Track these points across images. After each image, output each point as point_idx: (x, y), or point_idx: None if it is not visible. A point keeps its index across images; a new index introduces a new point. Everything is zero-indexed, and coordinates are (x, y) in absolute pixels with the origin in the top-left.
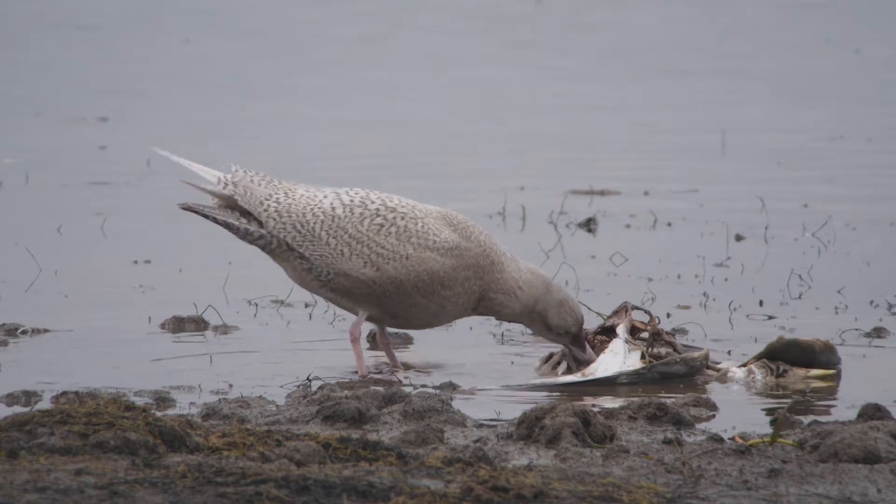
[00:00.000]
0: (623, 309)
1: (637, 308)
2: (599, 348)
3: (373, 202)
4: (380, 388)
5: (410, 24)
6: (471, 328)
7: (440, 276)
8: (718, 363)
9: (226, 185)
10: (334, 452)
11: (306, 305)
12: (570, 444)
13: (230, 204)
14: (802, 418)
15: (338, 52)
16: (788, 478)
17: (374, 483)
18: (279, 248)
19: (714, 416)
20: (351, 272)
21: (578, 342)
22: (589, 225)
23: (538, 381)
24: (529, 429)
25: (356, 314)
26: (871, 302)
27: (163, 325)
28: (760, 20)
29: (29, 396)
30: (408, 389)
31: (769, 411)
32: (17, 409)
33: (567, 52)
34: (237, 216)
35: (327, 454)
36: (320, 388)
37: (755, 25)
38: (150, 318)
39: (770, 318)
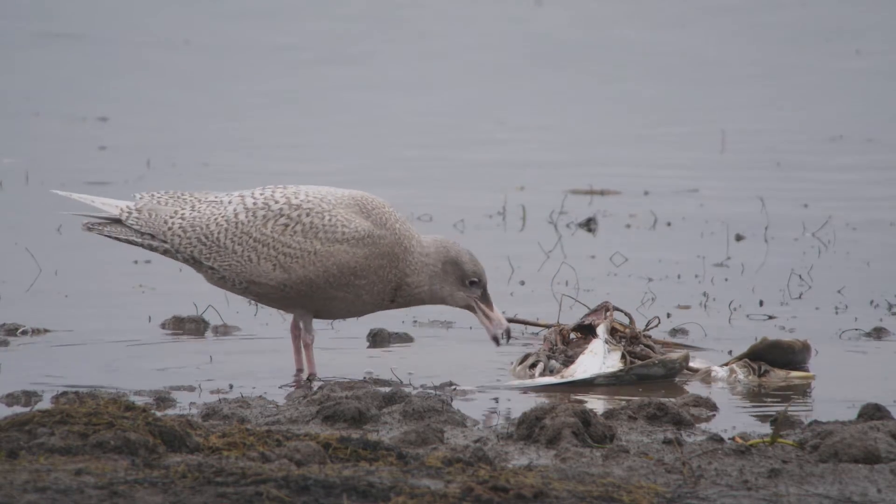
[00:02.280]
0: (602, 308)
1: (618, 309)
2: (575, 344)
3: (276, 202)
4: (380, 389)
5: (409, 20)
6: (471, 327)
7: (351, 267)
8: (697, 369)
9: (129, 214)
10: (334, 452)
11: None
12: (570, 444)
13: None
14: (802, 418)
15: (337, 51)
16: (788, 478)
17: (375, 483)
18: (187, 262)
19: (714, 416)
20: (260, 279)
21: (487, 298)
22: (589, 225)
23: (516, 382)
24: (529, 429)
25: (296, 318)
26: (871, 302)
27: (163, 325)
28: (760, 20)
29: (29, 396)
30: (408, 390)
31: (769, 411)
32: (18, 409)
33: (566, 52)
34: (140, 234)
35: (327, 454)
36: (320, 388)
37: (755, 25)
38: (150, 317)
39: (770, 317)
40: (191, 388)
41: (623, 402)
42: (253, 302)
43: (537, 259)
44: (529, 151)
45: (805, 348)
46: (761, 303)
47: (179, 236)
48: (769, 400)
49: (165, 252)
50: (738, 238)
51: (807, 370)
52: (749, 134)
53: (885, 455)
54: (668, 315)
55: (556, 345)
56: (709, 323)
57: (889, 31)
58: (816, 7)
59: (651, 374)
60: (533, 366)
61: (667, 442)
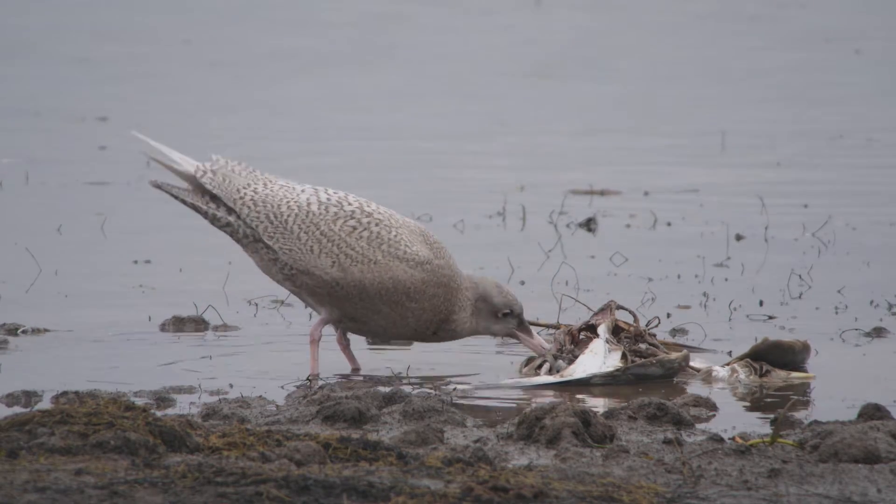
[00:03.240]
0: (608, 308)
1: (622, 308)
2: (584, 344)
3: (350, 204)
4: (380, 389)
5: (409, 24)
6: None
7: (406, 287)
8: (697, 369)
9: (204, 172)
10: (334, 452)
11: (306, 305)
12: (570, 444)
13: (203, 189)
14: (802, 418)
15: (337, 51)
16: (788, 478)
17: (375, 483)
18: (246, 238)
19: (714, 416)
20: (315, 270)
21: (524, 326)
22: (589, 225)
23: (513, 380)
24: (529, 429)
25: (318, 313)
26: (872, 302)
27: (163, 325)
28: (760, 21)
29: (29, 396)
30: (408, 389)
31: (769, 411)
32: (18, 409)
33: (566, 52)
34: (206, 201)
35: (327, 454)
36: (320, 388)
37: (755, 25)
38: (150, 317)
39: (770, 318)
40: (191, 389)
41: (624, 403)
42: (254, 302)
43: (537, 259)
44: (530, 151)
45: (805, 348)
46: (761, 303)
47: (249, 208)
48: (769, 400)
49: (226, 226)
50: (738, 238)
51: (806, 370)
52: (749, 134)
53: (885, 455)
54: (668, 315)
55: (565, 345)
56: (709, 323)
57: (889, 32)
58: (816, 7)
59: (649, 373)
60: (539, 367)
61: (667, 442)
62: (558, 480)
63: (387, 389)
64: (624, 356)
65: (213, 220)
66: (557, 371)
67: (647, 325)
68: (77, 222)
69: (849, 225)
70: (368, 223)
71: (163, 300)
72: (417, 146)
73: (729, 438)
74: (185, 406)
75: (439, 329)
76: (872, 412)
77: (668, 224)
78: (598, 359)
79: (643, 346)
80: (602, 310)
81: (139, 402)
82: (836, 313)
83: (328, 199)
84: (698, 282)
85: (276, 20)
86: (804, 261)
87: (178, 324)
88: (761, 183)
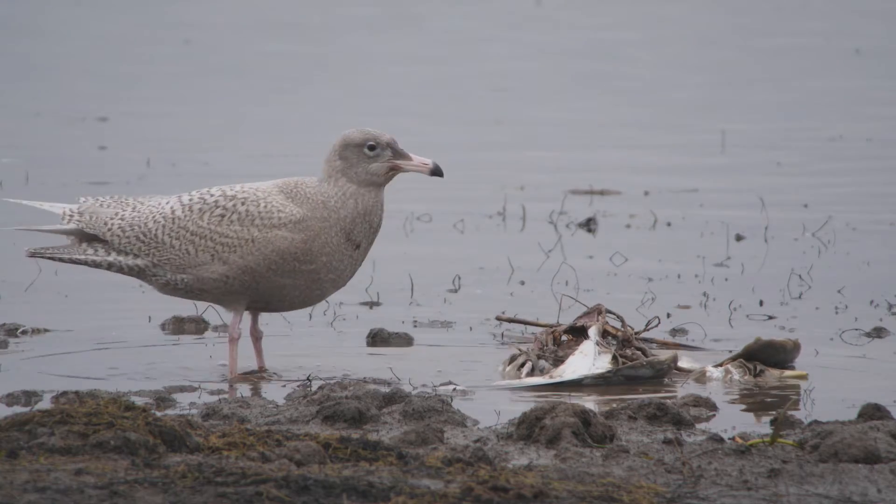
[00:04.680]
0: (596, 311)
1: (610, 312)
2: (566, 346)
3: (212, 195)
4: (380, 388)
5: (409, 24)
6: (471, 328)
7: (292, 253)
8: (687, 369)
9: (70, 217)
10: (334, 452)
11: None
12: (570, 444)
13: (82, 237)
14: (802, 418)
15: (337, 51)
16: (788, 478)
17: (374, 483)
18: (133, 272)
19: (714, 416)
20: (202, 273)
21: (401, 153)
22: (589, 225)
23: (504, 382)
24: (529, 429)
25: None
26: (871, 302)
27: (163, 325)
28: (760, 20)
29: (29, 396)
30: (408, 389)
31: (769, 411)
32: (18, 409)
33: (566, 52)
34: (83, 250)
35: (327, 454)
36: (320, 388)
37: (755, 25)
38: (149, 317)
39: (770, 317)
40: (191, 388)
41: (622, 403)
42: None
43: (537, 259)
44: (529, 152)
45: (796, 347)
46: (761, 303)
47: (118, 236)
48: (769, 400)
49: (111, 266)
50: (738, 238)
51: (794, 369)
52: (749, 134)
53: (885, 455)
54: (669, 315)
55: (547, 345)
56: (709, 323)
57: (889, 32)
58: (816, 7)
59: (639, 375)
60: (522, 366)
61: (667, 442)
62: (558, 480)
63: (387, 389)
64: (615, 358)
65: (97, 266)
66: (541, 371)
67: (646, 325)
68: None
69: (849, 225)
70: (234, 206)
71: (163, 300)
72: (416, 145)
73: (729, 438)
74: (185, 406)
75: (355, 239)
76: (872, 412)
77: (668, 224)
78: (587, 360)
79: (629, 351)
80: (588, 312)
81: (139, 402)
82: (836, 313)
83: (190, 200)
84: (698, 282)
85: (277, 21)
86: (804, 261)
87: (178, 324)
88: (761, 183)
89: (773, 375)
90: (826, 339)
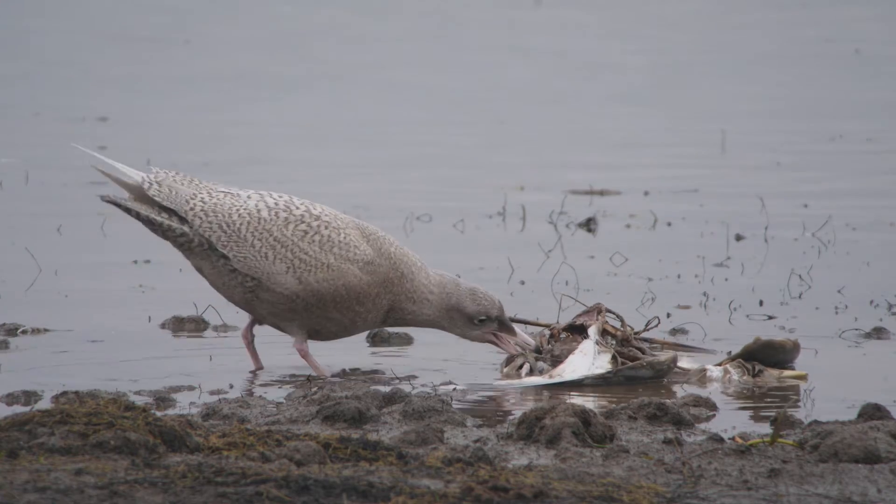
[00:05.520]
0: (595, 309)
1: (610, 311)
2: (564, 343)
3: (297, 207)
4: (380, 388)
5: (409, 22)
6: None
7: (356, 292)
8: (687, 370)
9: (150, 184)
10: (334, 452)
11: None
12: (570, 444)
13: (152, 203)
14: (802, 418)
15: (337, 52)
16: (788, 478)
17: (374, 483)
18: (200, 248)
19: (714, 416)
20: (273, 280)
21: (506, 327)
22: (589, 225)
23: (504, 382)
24: (529, 429)
25: (288, 332)
26: (871, 302)
27: (163, 325)
28: (761, 20)
29: (29, 396)
30: (407, 389)
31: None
32: (18, 408)
33: (566, 52)
34: (158, 212)
35: (327, 454)
36: (320, 388)
37: (755, 25)
38: (149, 317)
39: (770, 317)
40: (191, 388)
41: (623, 403)
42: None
43: (537, 259)
44: (529, 151)
45: (795, 347)
46: (761, 303)
47: (201, 218)
48: (769, 400)
49: (180, 236)
50: (738, 238)
51: (794, 369)
52: (749, 134)
53: (885, 455)
54: (668, 315)
55: (543, 346)
56: (709, 323)
57: (889, 31)
58: (817, 7)
59: (639, 375)
60: (521, 367)
61: (667, 442)
62: (558, 480)
63: (387, 389)
64: (614, 358)
65: (167, 232)
66: (540, 371)
67: (646, 325)
68: (77, 222)
69: (849, 225)
70: (318, 226)
71: (163, 300)
72: (417, 146)
73: (729, 438)
74: (185, 406)
75: (387, 318)
76: (872, 412)
77: (669, 224)
78: (587, 359)
79: (628, 350)
80: (587, 311)
81: (139, 401)
82: (836, 313)
83: (276, 204)
84: (698, 282)
85: (276, 21)
86: (804, 261)
87: (178, 324)
88: (761, 183)
89: (772, 375)
90: (826, 339)
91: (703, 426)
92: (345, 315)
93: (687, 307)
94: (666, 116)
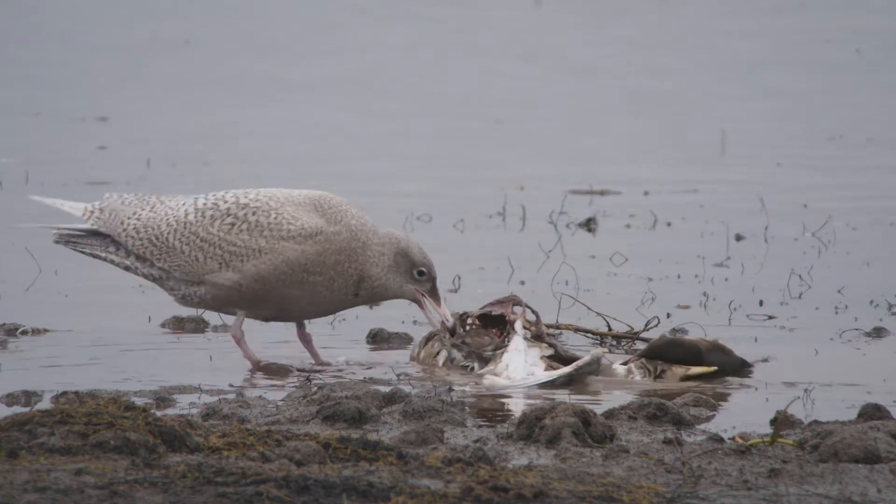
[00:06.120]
0: (510, 301)
1: (518, 304)
2: (473, 333)
3: (225, 202)
4: (380, 388)
5: (407, 22)
6: None
7: (301, 264)
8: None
9: (91, 213)
10: (334, 452)
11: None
12: (570, 444)
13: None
14: (802, 418)
15: (337, 53)
16: (788, 478)
17: (374, 483)
18: (150, 279)
19: (714, 416)
20: (212, 279)
21: (436, 294)
22: (589, 225)
23: (468, 387)
24: (529, 429)
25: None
26: (872, 302)
27: (163, 325)
28: (760, 20)
29: (29, 396)
30: (407, 389)
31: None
32: (18, 408)
33: (566, 52)
34: (105, 247)
35: (327, 454)
36: (320, 388)
37: (755, 25)
38: (150, 317)
39: (770, 317)
40: (191, 389)
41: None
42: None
43: (537, 259)
44: (529, 151)
45: (715, 348)
46: (761, 303)
47: (133, 237)
48: (769, 399)
49: (126, 269)
50: (738, 238)
51: (709, 367)
52: (749, 134)
53: (885, 455)
54: (669, 315)
55: (457, 330)
56: (709, 323)
57: (889, 31)
58: (816, 6)
59: (591, 372)
60: (437, 354)
61: (667, 442)
62: (558, 480)
63: (386, 389)
64: (555, 350)
65: (114, 265)
66: (452, 360)
67: (646, 325)
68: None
69: (849, 225)
70: (245, 215)
71: (163, 300)
72: (416, 146)
73: (729, 438)
74: (184, 406)
75: (359, 290)
76: (872, 412)
77: (668, 224)
78: (521, 355)
79: (544, 346)
80: (501, 301)
81: (139, 402)
82: (836, 313)
83: (204, 204)
84: (698, 282)
85: (275, 22)
86: (804, 261)
87: (178, 323)
88: (761, 183)
89: (675, 375)
90: (826, 339)
91: (702, 426)
92: (302, 290)
93: (687, 307)
94: (665, 116)
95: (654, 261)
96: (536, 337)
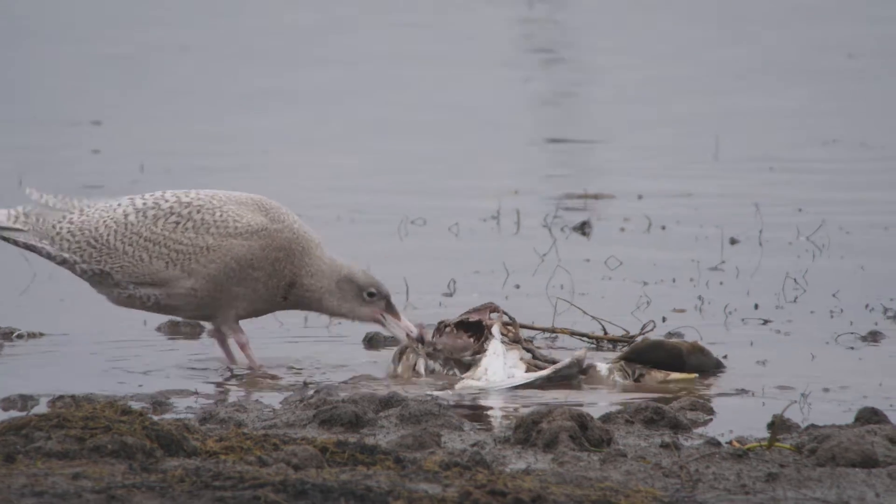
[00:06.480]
0: (486, 308)
1: (495, 310)
2: (450, 335)
3: (167, 201)
4: (376, 392)
5: (401, 25)
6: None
7: (248, 259)
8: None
9: (16, 217)
10: (332, 456)
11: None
12: (567, 448)
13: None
14: (800, 422)
15: (334, 57)
16: (786, 482)
17: (372, 487)
18: (86, 275)
19: (711, 420)
20: (172, 290)
21: (393, 310)
22: (583, 228)
23: (436, 392)
24: (526, 433)
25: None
26: (867, 305)
27: (158, 329)
28: (754, 25)
29: (25, 400)
30: (404, 393)
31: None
32: (14, 413)
33: (561, 56)
34: (39, 238)
35: (324, 458)
36: (317, 391)
37: (750, 30)
38: (145, 321)
39: (765, 321)
40: (187, 392)
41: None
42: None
43: (532, 263)
44: (523, 155)
45: (695, 350)
46: (756, 306)
47: (68, 240)
48: (766, 403)
49: (62, 263)
50: (733, 242)
51: (690, 371)
52: (742, 138)
53: (883, 459)
54: (664, 319)
55: (425, 338)
56: (704, 326)
57: (881, 36)
58: (808, 11)
59: (571, 374)
60: (414, 366)
61: (664, 446)
62: (556, 485)
63: (383, 393)
64: (533, 355)
65: (49, 258)
66: (432, 371)
67: (642, 329)
68: None
69: (843, 229)
70: (189, 213)
71: None
72: (410, 149)
73: (726, 442)
74: (181, 410)
75: (288, 293)
76: (869, 416)
77: (663, 228)
78: (500, 359)
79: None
80: (478, 309)
81: (136, 406)
82: (832, 317)
83: (144, 205)
84: (693, 285)
85: (276, 22)
86: (799, 264)
87: (174, 327)
88: (755, 187)
89: (654, 379)
90: (822, 343)
91: (700, 430)
92: (247, 286)
93: (682, 311)
94: (659, 121)
95: (649, 265)
96: (514, 341)
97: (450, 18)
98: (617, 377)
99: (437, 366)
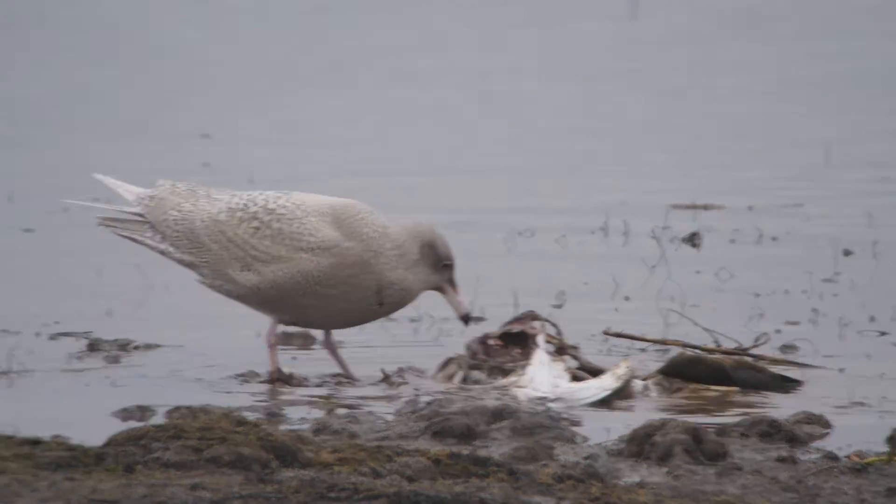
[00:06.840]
0: (528, 316)
1: (536, 318)
2: (497, 353)
3: (255, 205)
4: (488, 404)
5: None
6: (577, 344)
7: (315, 276)
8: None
9: (141, 200)
10: (445, 468)
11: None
12: (681, 461)
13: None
14: None
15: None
16: None
17: (486, 499)
18: (181, 264)
19: (828, 433)
20: (238, 279)
21: (455, 282)
22: (693, 240)
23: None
24: (640, 445)
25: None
26: None
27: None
28: (873, 36)
29: (143, 411)
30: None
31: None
32: (132, 423)
33: (662, 69)
34: (143, 231)
35: (438, 470)
36: (429, 403)
37: (853, 42)
38: (258, 333)
39: (882, 333)
40: (301, 403)
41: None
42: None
43: (641, 274)
44: (629, 166)
45: (743, 366)
46: (872, 318)
47: (171, 228)
48: (885, 416)
49: (162, 254)
50: (846, 253)
51: (735, 385)
52: (853, 147)
53: None
54: (778, 331)
55: (478, 354)
56: (819, 339)
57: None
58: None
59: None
60: (452, 376)
61: (781, 460)
62: (671, 498)
63: (494, 405)
64: (578, 365)
65: (151, 249)
66: (476, 382)
67: (755, 341)
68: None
69: None
70: (269, 221)
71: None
72: (513, 163)
73: (844, 456)
74: (295, 421)
75: (383, 299)
76: None
77: (774, 239)
78: (545, 368)
79: (566, 359)
80: (519, 318)
81: (251, 416)
82: None
83: (237, 204)
84: (806, 297)
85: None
86: None
87: (286, 338)
88: (868, 197)
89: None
90: None
91: (817, 444)
92: (318, 300)
93: (796, 323)
94: (768, 129)
95: (761, 276)
96: (559, 350)
97: (555, 31)
98: (653, 392)
99: (482, 375)
